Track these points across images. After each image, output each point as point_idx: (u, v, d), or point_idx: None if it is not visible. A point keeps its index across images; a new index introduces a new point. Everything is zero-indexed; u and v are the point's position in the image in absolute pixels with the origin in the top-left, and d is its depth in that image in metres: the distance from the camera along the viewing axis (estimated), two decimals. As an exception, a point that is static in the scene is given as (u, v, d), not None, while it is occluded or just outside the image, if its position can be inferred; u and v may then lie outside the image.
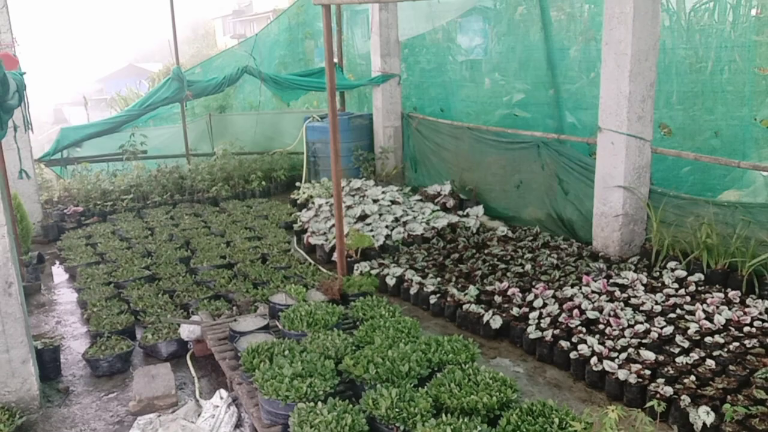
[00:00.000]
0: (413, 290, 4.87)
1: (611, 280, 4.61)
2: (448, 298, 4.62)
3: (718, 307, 4.09)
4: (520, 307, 4.36)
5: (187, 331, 4.15)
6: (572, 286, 4.58)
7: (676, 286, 4.49)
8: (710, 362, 3.50)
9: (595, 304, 4.23)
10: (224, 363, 3.68)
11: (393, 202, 6.86)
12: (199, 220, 7.05)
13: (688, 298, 4.28)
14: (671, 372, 3.45)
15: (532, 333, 4.00)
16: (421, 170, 8.31)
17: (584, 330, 3.97)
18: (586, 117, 6.35)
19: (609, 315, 4.07)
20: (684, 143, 5.62)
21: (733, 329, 3.87)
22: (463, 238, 5.86)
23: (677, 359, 3.56)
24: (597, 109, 5.24)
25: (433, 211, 6.58)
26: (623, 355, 3.62)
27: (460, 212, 6.67)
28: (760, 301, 4.18)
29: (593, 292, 4.44)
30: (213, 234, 6.50)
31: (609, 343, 3.76)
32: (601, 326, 3.99)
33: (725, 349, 3.63)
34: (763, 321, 3.93)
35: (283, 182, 8.56)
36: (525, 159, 6.40)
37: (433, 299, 4.69)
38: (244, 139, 9.13)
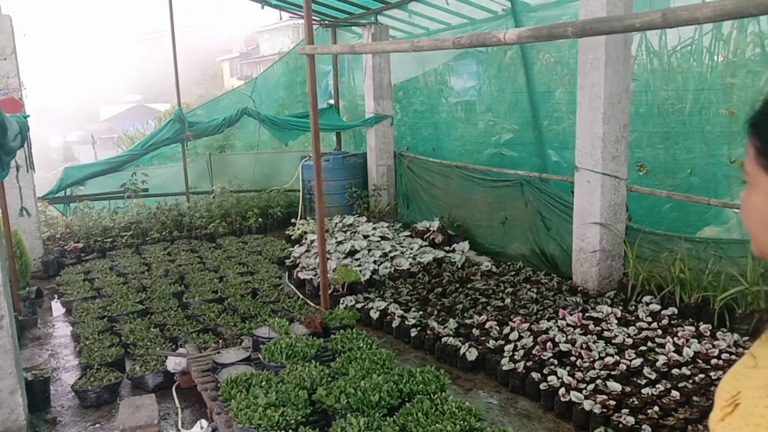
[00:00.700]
0: (395, 323, 5.01)
1: (587, 314, 4.74)
2: (428, 331, 4.76)
3: (688, 340, 4.21)
4: (496, 339, 4.49)
5: (173, 363, 4.29)
6: (549, 319, 4.72)
7: (649, 319, 4.61)
8: (675, 393, 3.61)
9: (569, 337, 4.36)
10: (206, 394, 3.82)
11: (383, 238, 7.05)
12: (195, 255, 7.25)
13: (659, 332, 4.41)
14: (636, 403, 3.56)
15: (506, 365, 4.12)
16: (412, 207, 8.53)
17: (556, 362, 4.09)
18: (570, 156, 6.57)
19: (581, 347, 4.20)
20: (664, 181, 5.81)
21: (701, 362, 3.98)
22: (448, 273, 6.02)
23: (643, 390, 3.67)
24: (580, 148, 5.46)
25: (421, 247, 6.75)
26: (591, 387, 3.73)
27: (447, 248, 6.84)
28: (729, 334, 4.30)
29: (568, 325, 4.57)
30: (207, 269, 6.69)
31: (579, 374, 3.88)
32: (572, 358, 4.11)
33: (691, 381, 3.74)
34: (731, 353, 4.04)
35: (279, 219, 8.78)
36: (510, 196, 6.60)
37: (413, 332, 4.82)
38: (243, 177, 9.40)
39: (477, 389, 4.16)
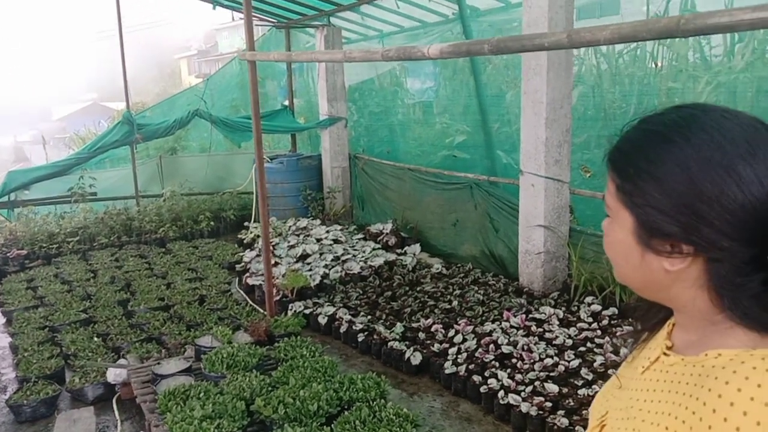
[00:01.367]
0: (343, 329, 5.01)
1: (530, 315, 4.83)
2: (375, 336, 4.78)
3: (626, 340, 4.32)
4: (441, 343, 4.54)
5: (114, 375, 4.21)
6: (493, 321, 4.79)
7: (590, 320, 4.73)
8: (610, 393, 3.71)
9: (511, 339, 4.44)
10: (145, 406, 3.76)
11: (336, 241, 7.05)
12: (144, 261, 7.12)
13: (599, 332, 4.52)
14: (572, 404, 3.64)
15: (448, 368, 4.17)
16: (367, 209, 8.54)
17: (497, 364, 4.16)
18: (520, 158, 6.70)
19: (522, 349, 4.28)
20: (610, 183, 5.96)
21: (636, 361, 4.10)
22: (399, 276, 6.05)
23: (579, 391, 3.76)
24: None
25: (374, 249, 6.77)
26: (529, 388, 3.81)
27: (400, 250, 6.88)
28: (665, 333, 4.44)
29: (512, 327, 4.65)
30: (155, 276, 6.57)
31: (518, 376, 3.95)
32: (514, 360, 4.19)
33: (625, 381, 3.85)
34: (665, 352, 4.17)
35: (232, 222, 8.68)
36: (460, 199, 6.68)
37: (361, 337, 4.83)
38: (195, 180, 9.26)
39: (421, 393, 4.20)
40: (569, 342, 4.38)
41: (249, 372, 3.78)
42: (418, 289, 5.71)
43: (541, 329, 4.60)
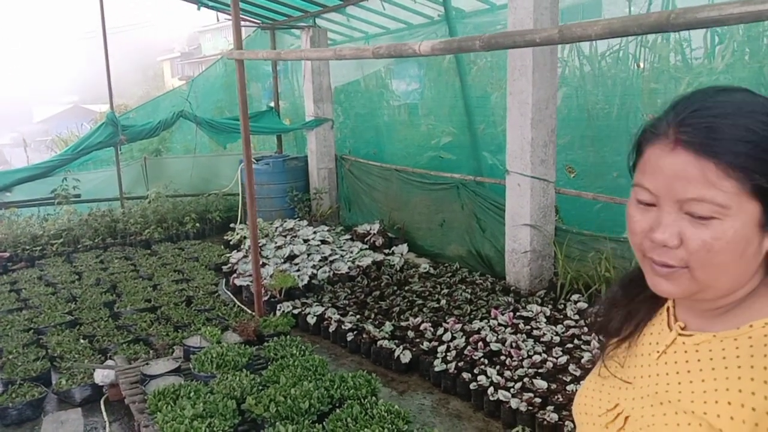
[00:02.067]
0: (332, 328, 5.02)
1: (517, 313, 4.88)
2: (365, 335, 4.79)
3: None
4: (430, 341, 4.56)
5: (101, 376, 4.18)
6: (481, 319, 4.83)
7: (577, 317, 4.78)
8: (597, 389, 3.75)
9: (500, 337, 4.47)
10: (134, 406, 3.73)
11: (323, 242, 7.05)
12: (129, 263, 7.06)
13: (586, 329, 4.57)
14: (561, 399, 3.69)
15: (438, 366, 4.20)
16: (354, 210, 8.55)
17: (486, 362, 4.19)
18: (505, 159, 6.75)
19: (511, 346, 4.32)
20: (594, 183, 6.03)
21: (622, 357, 4.15)
22: (387, 276, 6.07)
23: (568, 387, 3.81)
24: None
25: (361, 250, 6.78)
26: (518, 385, 3.84)
27: (387, 250, 6.89)
28: (650, 329, 4.50)
29: (500, 324, 4.69)
30: (141, 277, 6.52)
31: (507, 373, 3.99)
32: (502, 357, 4.22)
33: (612, 376, 3.90)
34: (651, 348, 4.24)
35: (218, 224, 8.63)
36: (447, 199, 6.71)
37: (350, 336, 4.84)
38: (180, 181, 9.20)
39: (411, 391, 4.22)
40: (557, 339, 4.43)
41: (239, 371, 3.77)
42: (406, 288, 5.73)
43: (528, 327, 4.64)
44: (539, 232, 5.41)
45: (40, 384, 4.25)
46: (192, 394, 3.46)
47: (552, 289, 5.35)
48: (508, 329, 4.62)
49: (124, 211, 8.35)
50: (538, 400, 3.67)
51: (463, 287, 5.61)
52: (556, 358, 4.13)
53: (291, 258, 6.57)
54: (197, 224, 8.34)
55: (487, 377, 3.96)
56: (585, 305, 4.93)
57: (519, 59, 5.23)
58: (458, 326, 4.67)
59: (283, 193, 8.69)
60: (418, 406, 3.99)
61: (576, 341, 4.41)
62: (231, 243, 7.64)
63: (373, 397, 3.47)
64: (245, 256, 6.76)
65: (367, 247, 6.99)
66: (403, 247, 6.82)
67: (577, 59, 6.39)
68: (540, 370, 4.01)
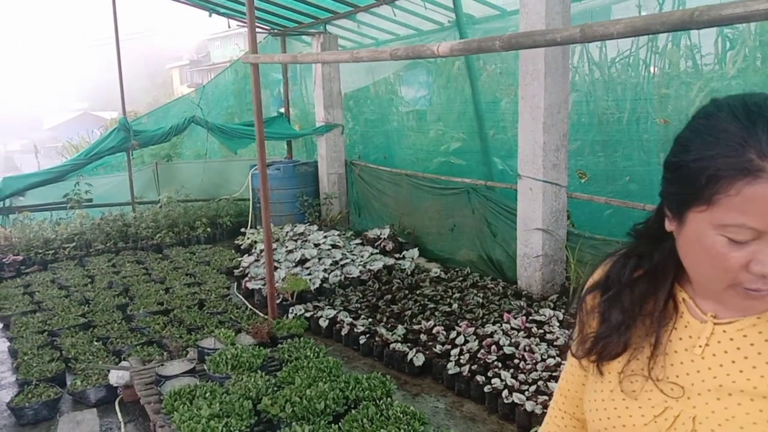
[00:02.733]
0: (344, 331, 5.03)
1: (530, 317, 4.87)
2: (377, 338, 4.80)
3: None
4: (443, 344, 4.56)
5: (116, 377, 4.20)
6: (494, 323, 4.82)
7: (589, 321, 4.77)
8: (612, 392, 3.74)
9: (513, 340, 4.47)
10: (149, 407, 3.75)
11: (333, 246, 7.07)
12: (141, 267, 7.10)
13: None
14: (575, 402, 3.67)
15: (452, 369, 4.20)
16: (364, 215, 8.58)
17: (500, 365, 4.18)
18: (515, 164, 6.74)
19: (524, 350, 4.31)
20: (605, 188, 6.04)
21: (636, 361, 4.14)
22: (398, 280, 6.08)
23: (582, 390, 3.79)
24: (526, 157, 5.61)
25: (372, 254, 6.80)
26: (533, 388, 3.84)
27: (398, 255, 6.91)
28: (664, 333, 4.49)
29: (512, 328, 4.69)
30: (153, 281, 6.56)
31: (521, 376, 3.98)
32: (516, 361, 4.22)
33: (627, 379, 3.89)
34: (665, 352, 4.22)
35: (229, 228, 8.68)
36: (457, 204, 6.73)
37: (362, 339, 4.85)
38: (191, 186, 9.26)
39: (424, 394, 4.22)
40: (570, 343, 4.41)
41: (254, 372, 3.78)
42: (417, 292, 5.74)
43: (541, 331, 4.63)
44: (551, 236, 5.41)
45: (55, 385, 4.27)
46: (208, 394, 3.47)
47: (564, 294, 5.34)
48: (521, 333, 4.61)
49: (135, 215, 8.41)
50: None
51: (475, 291, 5.61)
52: (570, 362, 4.12)
53: (302, 262, 6.60)
54: (208, 229, 8.39)
55: (501, 380, 3.96)
56: (597, 309, 4.92)
57: (531, 64, 5.25)
58: (471, 330, 4.67)
59: (293, 198, 8.73)
60: (432, 409, 3.99)
61: (589, 345, 4.39)
62: (242, 247, 7.68)
63: (388, 399, 3.48)
64: (257, 260, 6.79)
65: (377, 251, 7.01)
66: (414, 252, 6.83)
67: (587, 65, 6.41)
68: (554, 374, 4.00)
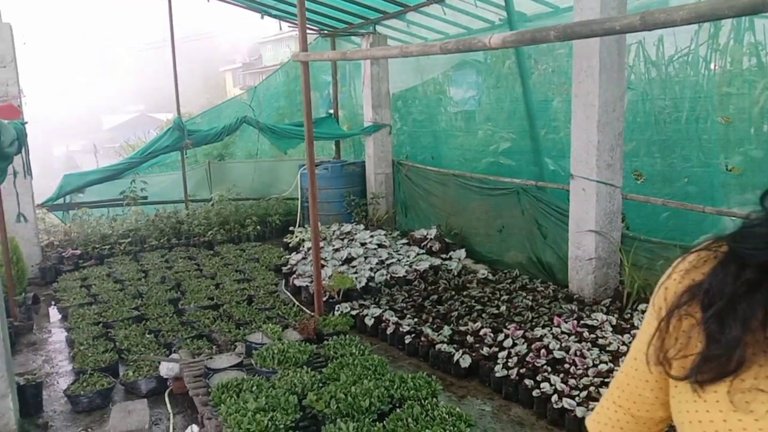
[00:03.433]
0: (390, 330, 5.00)
1: (581, 322, 4.73)
2: (423, 338, 4.75)
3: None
4: (490, 347, 4.48)
5: (166, 369, 4.29)
6: (543, 327, 4.70)
7: (644, 327, 4.59)
8: (668, 401, 3.58)
9: (563, 344, 4.34)
10: (197, 399, 3.82)
11: (380, 246, 7.05)
12: (193, 263, 7.26)
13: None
14: (629, 410, 3.53)
15: (499, 372, 4.11)
16: (411, 215, 8.54)
17: (549, 369, 4.07)
18: (567, 165, 6.58)
19: (575, 355, 4.18)
20: (661, 189, 5.81)
21: (695, 369, 3.95)
22: (444, 281, 6.01)
23: (636, 397, 3.64)
24: (578, 157, 5.46)
25: (418, 254, 6.75)
26: (584, 393, 3.71)
27: (444, 255, 6.84)
28: (724, 342, 4.27)
29: (563, 332, 4.56)
30: (204, 276, 6.69)
31: (572, 381, 3.86)
32: (566, 365, 4.09)
33: (684, 388, 3.72)
34: (726, 361, 4.02)
35: (278, 227, 8.79)
36: (506, 205, 6.61)
37: (408, 339, 4.81)
38: (242, 185, 9.43)
39: (470, 396, 4.14)
40: (623, 348, 4.27)
41: (299, 368, 3.80)
42: (464, 293, 5.65)
43: (593, 335, 4.49)
44: (605, 238, 5.24)
45: (108, 375, 4.40)
46: (254, 388, 3.50)
47: (618, 298, 5.16)
48: (572, 337, 4.48)
49: (188, 212, 8.62)
50: (604, 409, 3.53)
51: (524, 294, 5.49)
52: (623, 368, 3.97)
53: (348, 261, 6.61)
54: (258, 227, 8.52)
55: (551, 385, 3.85)
56: (653, 315, 4.73)
57: (585, 60, 5.10)
58: (519, 333, 4.57)
59: (341, 198, 8.77)
60: (478, 412, 3.91)
61: (644, 351, 4.22)
62: (290, 245, 7.76)
63: (434, 399, 3.43)
64: (304, 258, 6.84)
65: (423, 251, 6.95)
66: (461, 253, 6.75)
67: (643, 65, 6.20)
68: (606, 380, 3.86)
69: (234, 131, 8.83)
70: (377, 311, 5.28)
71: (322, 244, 7.25)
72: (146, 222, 8.29)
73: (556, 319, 4.75)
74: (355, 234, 7.50)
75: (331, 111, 9.79)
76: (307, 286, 6.08)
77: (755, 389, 0.89)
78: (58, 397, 4.33)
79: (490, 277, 6.12)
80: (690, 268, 1.00)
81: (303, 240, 7.68)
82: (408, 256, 6.70)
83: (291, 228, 8.40)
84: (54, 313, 6.19)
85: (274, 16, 9.07)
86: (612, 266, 5.36)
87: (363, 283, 5.90)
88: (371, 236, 7.33)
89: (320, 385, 3.61)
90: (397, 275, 6.17)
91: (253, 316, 5.27)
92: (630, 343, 4.34)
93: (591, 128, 5.14)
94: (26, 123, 5.31)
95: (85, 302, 6.02)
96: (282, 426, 3.12)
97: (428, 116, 9.02)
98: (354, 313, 5.33)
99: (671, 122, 5.86)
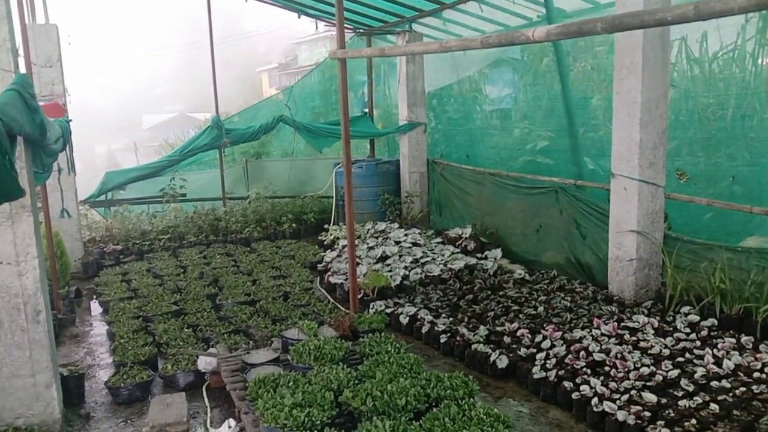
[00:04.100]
0: (425, 329, 4.97)
1: (622, 324, 4.62)
2: (458, 338, 4.70)
3: (728, 352, 4.06)
4: (528, 348, 4.41)
5: (204, 363, 4.35)
6: (582, 328, 4.61)
7: (688, 330, 4.46)
8: (714, 406, 3.47)
9: (603, 347, 4.24)
10: (234, 393, 3.85)
11: (414, 244, 7.03)
12: (230, 259, 7.36)
13: (698, 343, 4.26)
14: (672, 415, 3.43)
15: (537, 373, 4.04)
16: (445, 214, 8.48)
17: (589, 371, 3.98)
18: (607, 164, 6.44)
19: (615, 357, 4.08)
20: (706, 189, 5.64)
21: (742, 374, 3.82)
22: (480, 280, 5.95)
23: (680, 402, 3.54)
24: (618, 156, 5.35)
25: (453, 253, 6.70)
26: (625, 397, 3.62)
27: (479, 255, 6.77)
28: (773, 347, 4.12)
29: (603, 334, 4.46)
30: (241, 273, 6.77)
31: (612, 384, 3.77)
32: (606, 368, 4.00)
33: (731, 394, 3.60)
34: (775, 367, 3.88)
35: (313, 224, 8.84)
36: (544, 204, 6.50)
37: (443, 338, 4.77)
38: (278, 183, 9.53)
39: (507, 397, 4.08)
40: (666, 352, 4.15)
41: (335, 364, 3.80)
42: (500, 293, 5.59)
43: (634, 338, 4.38)
44: (646, 239, 5.11)
45: (147, 368, 4.48)
46: (291, 383, 3.51)
47: (660, 300, 5.03)
48: (612, 339, 4.37)
49: (226, 210, 8.75)
50: (647, 413, 3.44)
51: (562, 295, 5.39)
52: (666, 372, 3.86)
53: (383, 259, 6.60)
54: (293, 224, 8.59)
55: (591, 387, 3.76)
56: (696, 318, 4.60)
57: (627, 56, 4.98)
58: (558, 334, 4.48)
59: (375, 197, 8.77)
60: (515, 413, 3.85)
61: (687, 355, 4.11)
62: (325, 243, 7.79)
63: (470, 399, 3.38)
64: (339, 256, 6.86)
65: (458, 250, 6.90)
66: (497, 252, 6.67)
67: (685, 62, 6.02)
68: (648, 383, 3.76)
69: (270, 130, 8.92)
70: (412, 310, 5.26)
71: (356, 242, 7.26)
72: (185, 219, 8.43)
73: (595, 321, 4.65)
74: (390, 232, 7.49)
75: (366, 110, 9.80)
76: (341, 283, 6.09)
77: None
78: (100, 388, 4.43)
79: (527, 277, 6.03)
80: None
81: (338, 238, 7.71)
82: (443, 255, 6.65)
83: (326, 226, 8.44)
84: (95, 307, 6.34)
85: (311, 16, 9.13)
86: (654, 267, 5.22)
87: (398, 282, 5.89)
88: (405, 235, 7.31)
89: (356, 382, 3.60)
90: (431, 274, 6.13)
91: (289, 312, 5.31)
92: (673, 346, 4.22)
93: (633, 126, 5.02)
94: (71, 120, 5.45)
95: (125, 296, 6.15)
96: (318, 422, 3.12)
97: (464, 114, 8.95)
98: (389, 311, 5.32)
99: (715, 120, 5.69)
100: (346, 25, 9.15)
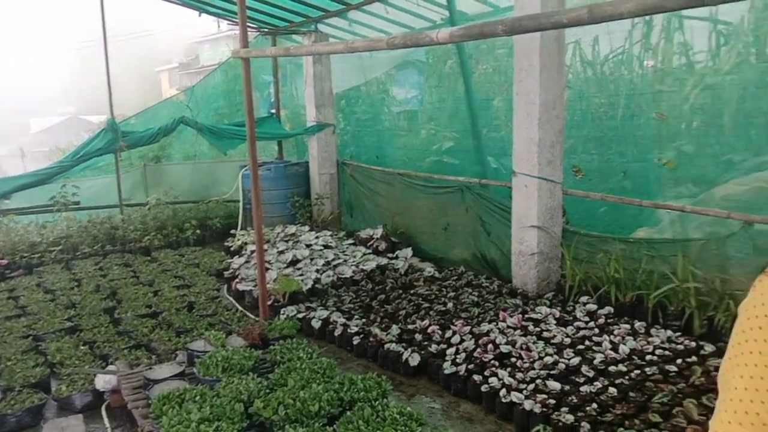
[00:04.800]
0: (338, 332, 4.92)
1: (526, 315, 4.80)
2: (371, 339, 4.69)
3: (623, 338, 4.32)
4: (438, 344, 4.47)
5: (103, 382, 4.07)
6: (490, 322, 4.74)
7: (587, 319, 4.70)
8: (612, 390, 3.67)
9: (509, 339, 4.39)
10: (137, 412, 3.63)
11: (326, 247, 6.97)
12: (129, 270, 6.96)
13: (596, 330, 4.50)
14: (575, 401, 3.59)
15: (448, 368, 4.11)
16: (356, 215, 8.48)
17: (497, 364, 4.10)
18: (509, 162, 6.68)
19: (521, 348, 4.23)
20: (599, 185, 5.98)
21: (636, 358, 4.07)
22: (392, 280, 5.99)
23: (582, 388, 3.72)
24: (518, 155, 5.54)
25: (365, 254, 6.70)
26: (531, 387, 3.75)
27: (391, 255, 6.82)
28: (663, 330, 4.43)
29: (509, 327, 4.61)
30: (141, 284, 6.42)
31: (519, 375, 3.90)
32: (513, 359, 4.14)
33: (627, 377, 3.82)
34: (665, 349, 4.16)
35: (218, 230, 8.55)
36: (451, 203, 6.65)
37: (356, 340, 4.75)
38: (180, 188, 9.14)
39: (420, 394, 4.12)
40: (567, 340, 4.35)
41: (245, 375, 3.68)
42: (411, 292, 5.65)
43: (538, 329, 4.56)
44: (546, 233, 5.34)
45: (39, 390, 4.14)
46: (198, 397, 3.36)
47: (560, 292, 5.27)
48: (518, 331, 4.53)
49: (123, 218, 8.27)
50: (552, 401, 3.58)
51: (470, 290, 5.53)
52: (568, 360, 4.05)
53: (294, 263, 6.49)
54: (197, 231, 8.26)
55: (499, 379, 3.87)
56: (594, 307, 4.86)
57: (526, 59, 5.18)
58: (466, 329, 4.59)
59: (284, 199, 8.62)
60: (428, 409, 3.89)
61: (587, 342, 4.33)
62: (232, 249, 7.56)
63: (384, 400, 3.38)
64: (247, 261, 6.67)
65: (370, 251, 6.91)
66: (407, 251, 6.74)
67: (579, 64, 6.37)
68: (552, 372, 3.92)
69: (171, 132, 8.54)
70: (324, 313, 5.20)
71: (265, 246, 7.09)
72: (78, 228, 7.89)
73: (501, 314, 4.80)
74: (300, 235, 7.39)
75: (273, 111, 9.62)
76: (250, 290, 5.92)
77: None
78: (-17, 417, 4.03)
79: (437, 274, 6.14)
80: None
81: (245, 243, 7.50)
82: (354, 257, 6.64)
83: (232, 231, 8.19)
84: (-23, 328, 5.78)
85: (213, 14, 8.83)
86: (554, 260, 5.47)
87: (309, 285, 5.80)
88: (317, 237, 7.23)
89: (267, 391, 3.50)
90: (344, 276, 6.09)
91: (194, 323, 5.08)
92: (574, 334, 4.43)
93: (532, 126, 5.22)
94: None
95: (12, 315, 5.66)
96: (228, 435, 3.01)
97: (372, 116, 9.00)
98: (300, 316, 5.23)
99: (607, 119, 6.05)
100: (250, 25, 8.94)
